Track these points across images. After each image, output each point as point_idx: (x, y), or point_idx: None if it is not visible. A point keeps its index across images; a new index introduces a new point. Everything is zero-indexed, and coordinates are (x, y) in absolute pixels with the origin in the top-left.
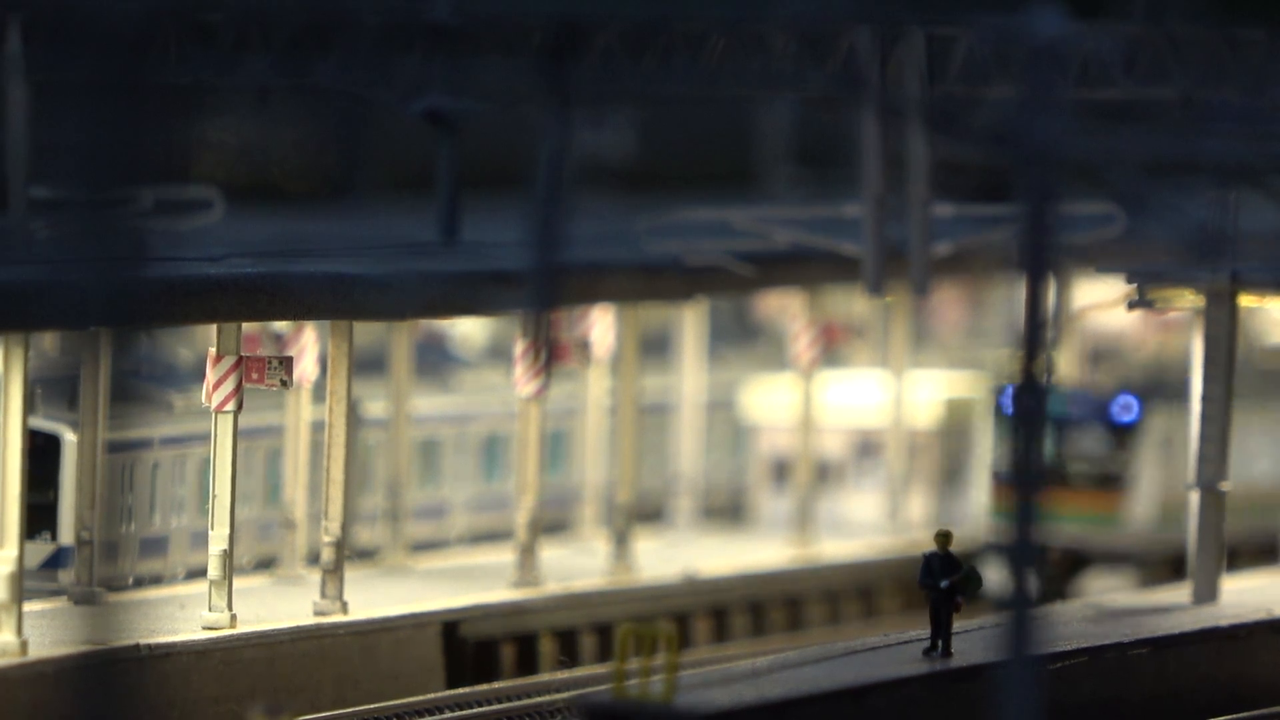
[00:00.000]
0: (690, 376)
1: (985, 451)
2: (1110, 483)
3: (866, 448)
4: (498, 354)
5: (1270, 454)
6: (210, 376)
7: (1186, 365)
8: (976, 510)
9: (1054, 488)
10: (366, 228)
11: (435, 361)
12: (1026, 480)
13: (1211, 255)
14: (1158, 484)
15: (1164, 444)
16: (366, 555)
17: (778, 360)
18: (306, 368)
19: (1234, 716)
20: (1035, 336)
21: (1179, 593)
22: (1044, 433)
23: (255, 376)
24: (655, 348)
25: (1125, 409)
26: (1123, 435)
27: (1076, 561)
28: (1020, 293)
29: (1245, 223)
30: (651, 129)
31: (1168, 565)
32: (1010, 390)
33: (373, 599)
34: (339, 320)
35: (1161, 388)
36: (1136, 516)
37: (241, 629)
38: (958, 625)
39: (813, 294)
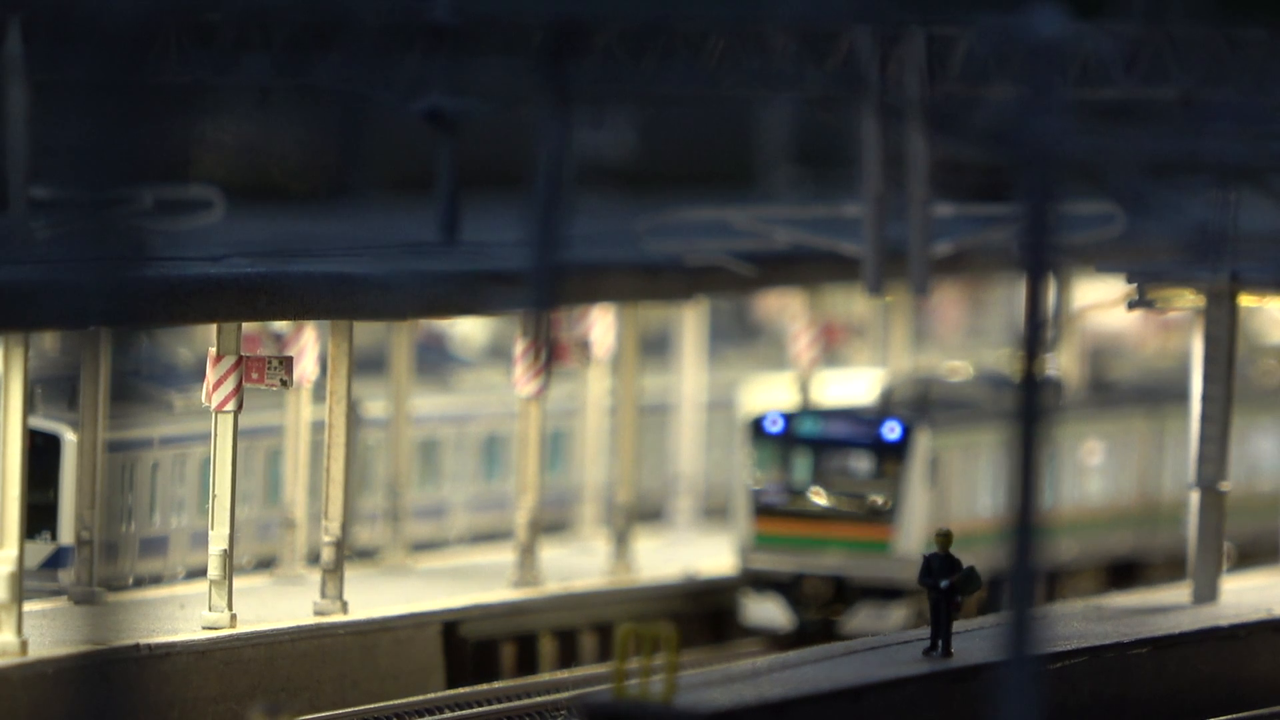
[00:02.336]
0: (690, 376)
1: (744, 477)
2: (875, 509)
3: None
4: (498, 354)
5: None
6: (210, 376)
7: (958, 384)
8: (738, 541)
9: (813, 513)
10: (366, 228)
11: (435, 361)
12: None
13: (1211, 255)
14: (925, 511)
15: (932, 469)
16: (366, 555)
17: (778, 360)
18: (306, 368)
19: (1234, 716)
20: (1035, 336)
21: (1179, 593)
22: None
23: (255, 376)
24: (655, 348)
25: (890, 431)
26: (888, 459)
27: (844, 591)
28: (1020, 293)
29: (1245, 223)
30: (651, 129)
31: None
32: (772, 415)
33: (373, 599)
34: (339, 320)
35: (928, 408)
36: (904, 546)
37: (241, 629)
38: (958, 625)
39: (813, 294)
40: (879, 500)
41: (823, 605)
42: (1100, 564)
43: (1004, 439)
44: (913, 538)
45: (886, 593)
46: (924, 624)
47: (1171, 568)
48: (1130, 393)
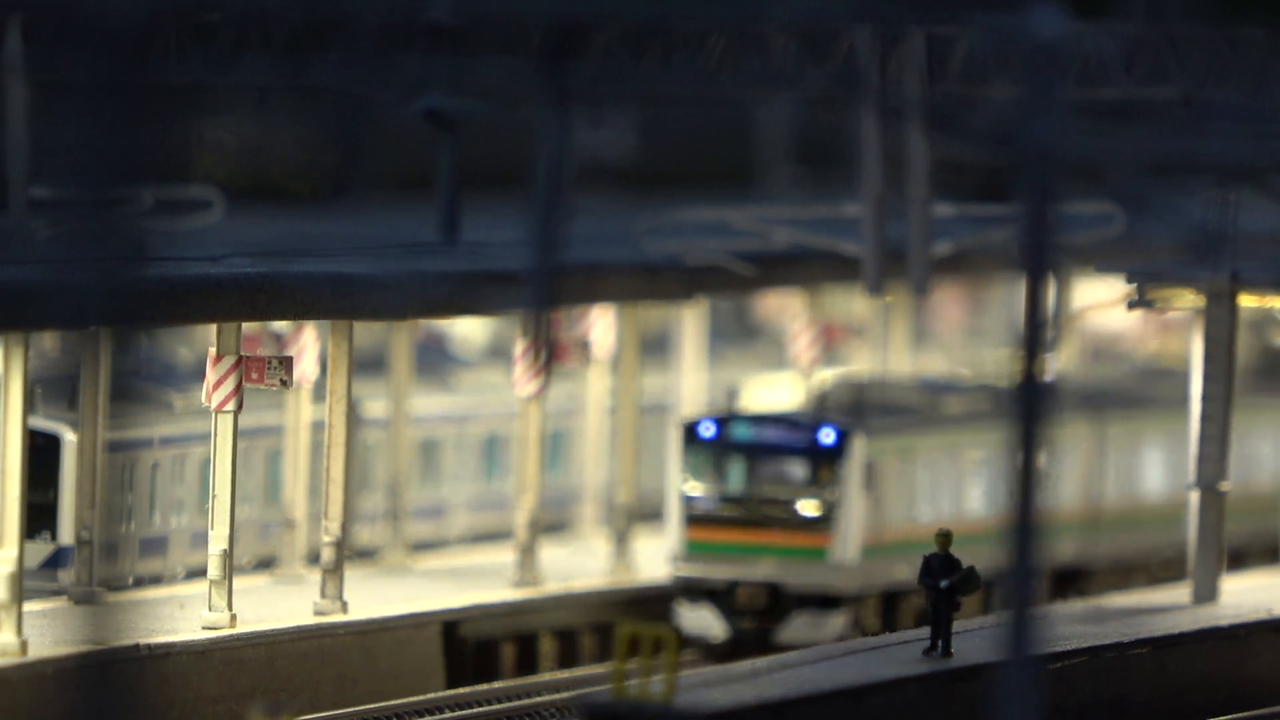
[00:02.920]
0: (690, 376)
1: (676, 484)
2: (811, 516)
3: None
4: (498, 354)
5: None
6: (210, 376)
7: (896, 389)
8: (670, 548)
9: (747, 520)
10: (366, 228)
11: (435, 361)
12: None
13: (1211, 255)
14: (862, 518)
15: (868, 474)
16: (366, 555)
17: (778, 360)
18: (306, 368)
19: (1234, 716)
20: (1035, 336)
21: (1179, 593)
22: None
23: (255, 376)
24: (655, 348)
25: (825, 436)
26: (824, 465)
27: (780, 600)
28: (1020, 293)
29: (1245, 223)
30: (651, 129)
31: (878, 606)
32: (705, 420)
33: (373, 599)
34: (339, 320)
35: (865, 413)
36: (840, 553)
37: (241, 629)
38: (958, 625)
39: (813, 294)
40: (814, 507)
41: (757, 614)
42: (1044, 572)
43: (944, 444)
44: (849, 545)
45: (823, 601)
46: (860, 632)
47: (1115, 575)
48: (1072, 399)
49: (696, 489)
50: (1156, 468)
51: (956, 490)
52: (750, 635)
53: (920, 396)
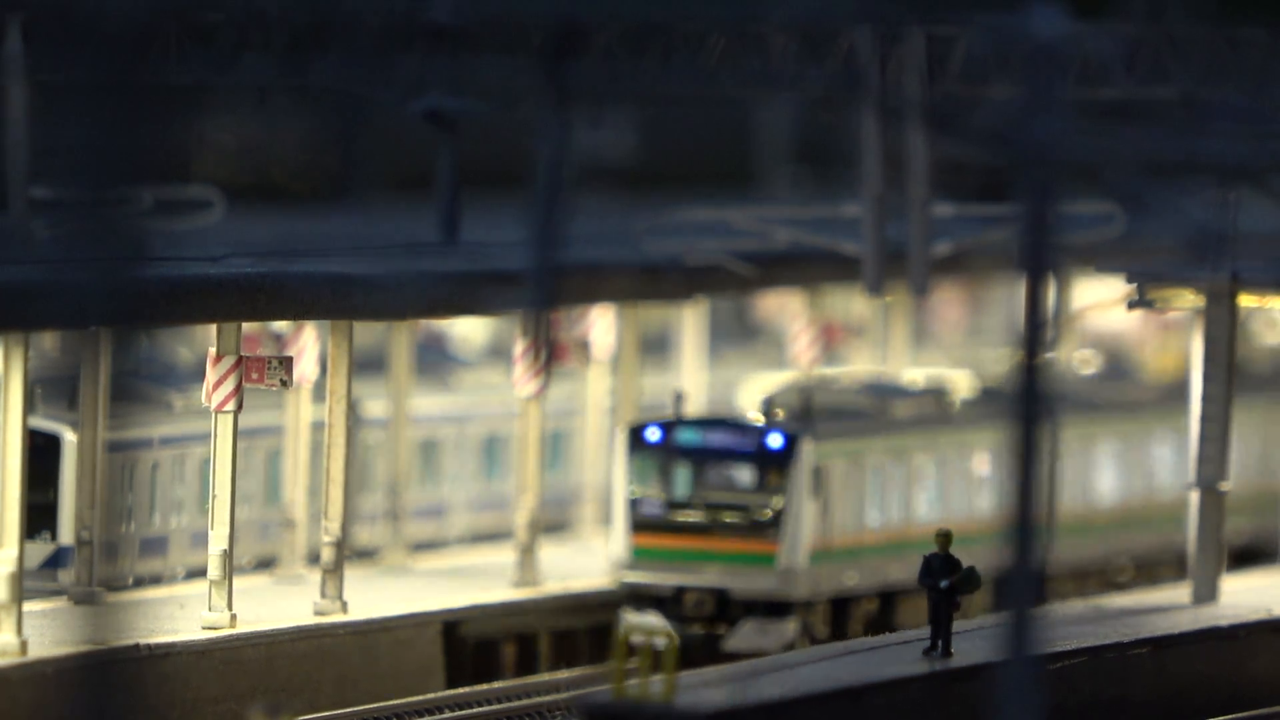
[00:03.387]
0: (690, 376)
1: (621, 489)
2: (758, 522)
3: None
4: (498, 354)
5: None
6: (210, 376)
7: (843, 392)
8: (615, 554)
9: (694, 526)
10: (366, 228)
11: (435, 361)
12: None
13: (1211, 255)
14: (811, 523)
15: (816, 479)
16: (366, 555)
17: (778, 360)
18: (306, 368)
19: (1234, 716)
20: (1035, 336)
21: (1179, 593)
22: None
23: (255, 376)
24: (655, 348)
25: (772, 441)
26: (771, 469)
27: (728, 606)
28: (1020, 293)
29: (1245, 223)
30: (651, 129)
31: (828, 612)
32: (651, 424)
33: (373, 599)
34: (339, 320)
35: (813, 417)
36: (788, 559)
37: (241, 629)
38: (958, 625)
39: (813, 294)
40: (762, 512)
41: (705, 621)
42: (993, 578)
43: (893, 448)
44: (798, 551)
45: (771, 607)
46: (809, 639)
47: (1070, 581)
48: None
49: (642, 494)
50: (1109, 473)
51: (906, 495)
52: (698, 642)
53: (869, 400)
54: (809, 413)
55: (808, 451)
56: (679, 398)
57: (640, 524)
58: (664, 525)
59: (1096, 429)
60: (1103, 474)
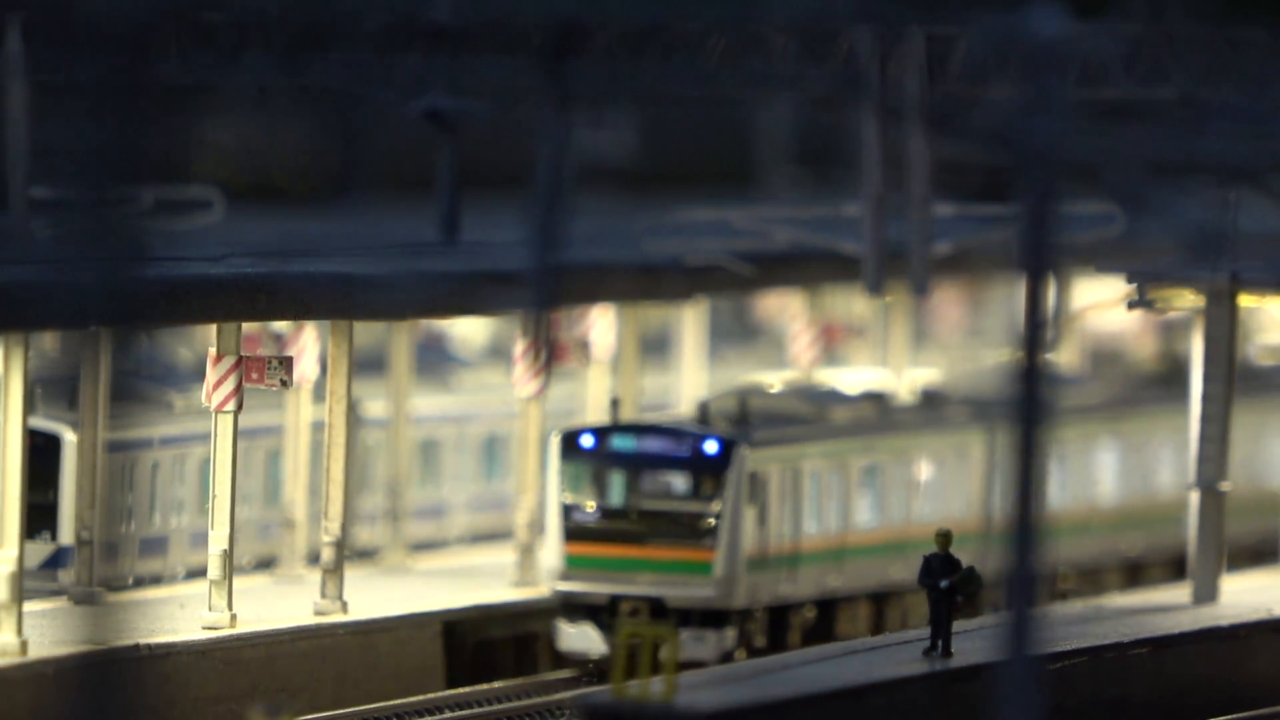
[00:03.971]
0: (690, 376)
1: (555, 497)
2: (694, 530)
3: None
4: (498, 354)
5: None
6: (210, 376)
7: (780, 397)
8: (548, 563)
9: (628, 533)
10: (366, 228)
11: (435, 361)
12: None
13: (1211, 255)
14: (748, 531)
15: (753, 486)
16: (366, 555)
17: (778, 360)
18: (306, 368)
19: (1234, 716)
20: (1035, 336)
21: (1179, 593)
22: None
23: (255, 376)
24: (655, 348)
25: (708, 447)
26: (707, 476)
27: (663, 616)
28: (1020, 293)
29: (1245, 223)
30: (651, 129)
31: (765, 621)
32: (585, 431)
33: (373, 599)
34: (339, 320)
35: (749, 423)
36: (725, 567)
37: (241, 629)
38: (958, 625)
39: (813, 294)
40: (697, 520)
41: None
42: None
43: (831, 455)
44: (735, 559)
45: (707, 616)
46: (746, 649)
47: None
48: (963, 407)
49: (576, 502)
50: (1053, 480)
51: (844, 502)
52: (635, 655)
53: (807, 406)
54: (745, 418)
55: (744, 458)
56: (614, 403)
57: (574, 532)
58: (598, 533)
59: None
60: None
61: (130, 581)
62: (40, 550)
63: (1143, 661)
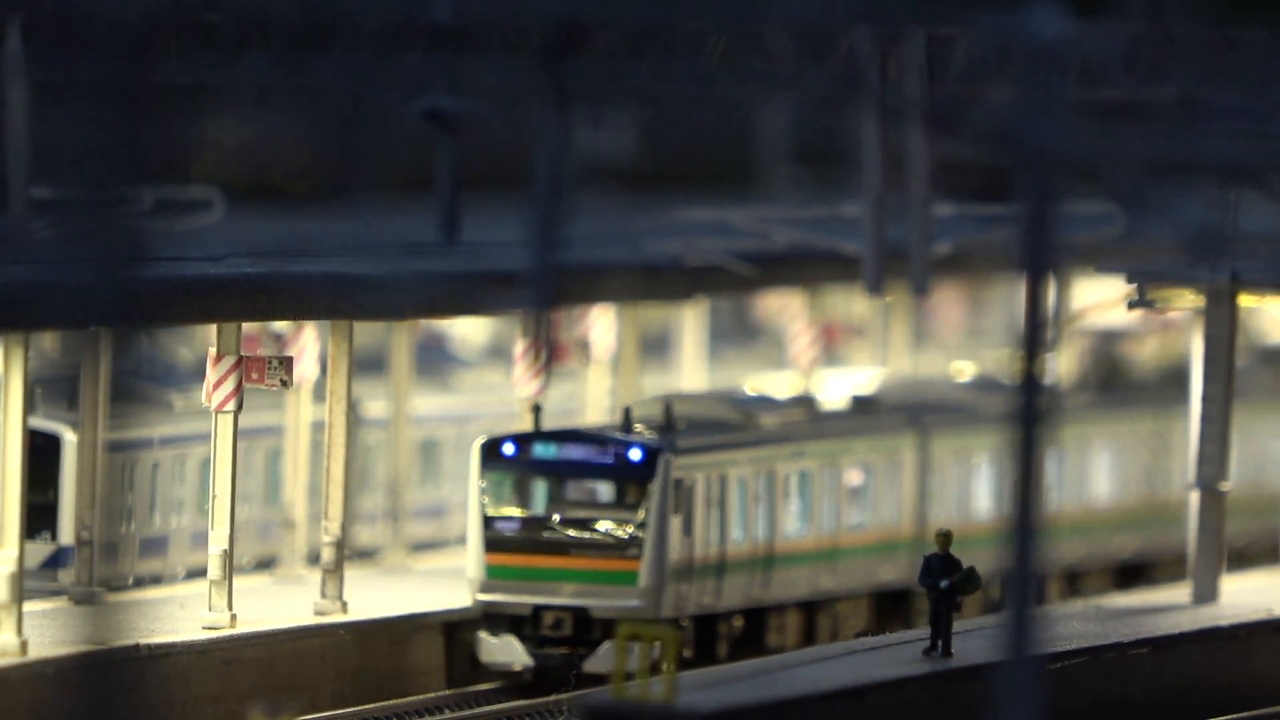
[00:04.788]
0: (690, 376)
1: (476, 506)
2: (618, 539)
3: None
4: (498, 354)
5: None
6: (210, 376)
7: (704, 403)
8: (470, 574)
9: (551, 543)
10: (366, 228)
11: (435, 361)
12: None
13: (1211, 255)
14: (673, 540)
15: (678, 494)
16: (366, 555)
17: (778, 360)
18: (306, 368)
19: (1234, 716)
20: (1035, 336)
21: (1179, 593)
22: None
23: (255, 376)
24: (655, 348)
25: (632, 455)
26: (631, 484)
27: (587, 626)
28: (1020, 293)
29: (1245, 223)
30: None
31: (692, 631)
32: (506, 439)
33: (373, 599)
34: (339, 320)
35: (674, 430)
36: (649, 577)
37: (241, 629)
38: (958, 625)
39: (813, 294)
40: (621, 528)
41: (564, 642)
42: (866, 593)
43: (759, 462)
44: (660, 568)
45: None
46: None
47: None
48: (896, 411)
49: (497, 511)
50: (986, 488)
51: (772, 510)
52: (556, 664)
53: (734, 412)
54: (670, 425)
55: (669, 465)
56: (536, 410)
57: (495, 542)
58: (520, 543)
59: (972, 442)
60: (978, 489)
61: (130, 581)
62: (40, 550)
63: (1143, 661)
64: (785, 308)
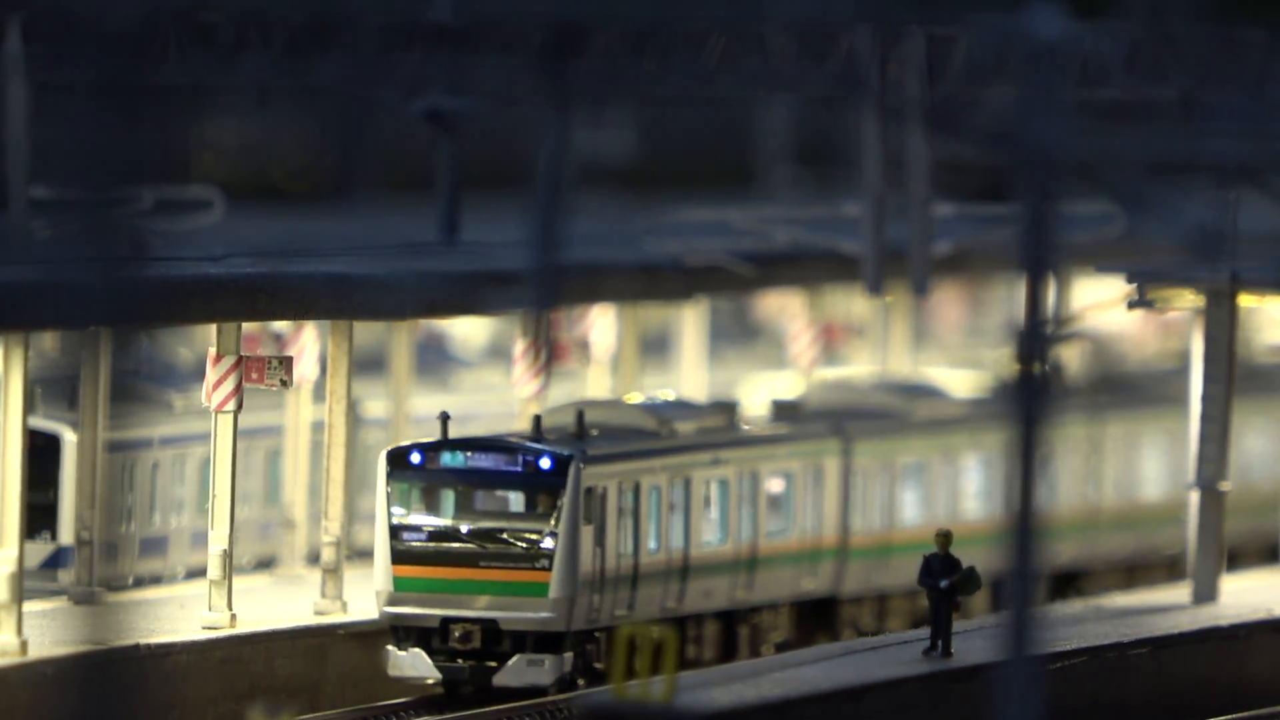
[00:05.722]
0: (690, 376)
1: (383, 516)
2: (528, 550)
3: None
4: (498, 354)
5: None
6: (210, 376)
7: (617, 411)
8: (378, 584)
9: (460, 554)
10: (366, 228)
11: (435, 361)
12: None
13: (1211, 255)
14: (585, 550)
15: (589, 503)
16: (367, 555)
17: (778, 360)
18: (306, 368)
19: (1234, 716)
20: (1035, 336)
21: (1179, 593)
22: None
23: (255, 376)
24: (655, 348)
25: (542, 464)
26: (541, 494)
27: (497, 639)
28: (1020, 293)
29: (1245, 223)
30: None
31: (605, 643)
32: (413, 448)
33: (373, 599)
34: (339, 320)
35: (586, 438)
36: (561, 588)
37: (241, 629)
38: (958, 625)
39: (813, 294)
40: (531, 539)
41: (473, 655)
42: (788, 603)
43: (675, 470)
44: (571, 579)
45: (543, 639)
46: (585, 674)
47: (870, 603)
48: (819, 417)
49: (404, 522)
50: (913, 494)
51: (688, 519)
52: (466, 677)
53: (650, 419)
54: (582, 433)
55: (581, 475)
56: (444, 418)
57: (403, 554)
58: (428, 555)
59: (895, 448)
60: (902, 496)
61: (130, 581)
62: (40, 550)
63: (1143, 661)
64: (785, 308)
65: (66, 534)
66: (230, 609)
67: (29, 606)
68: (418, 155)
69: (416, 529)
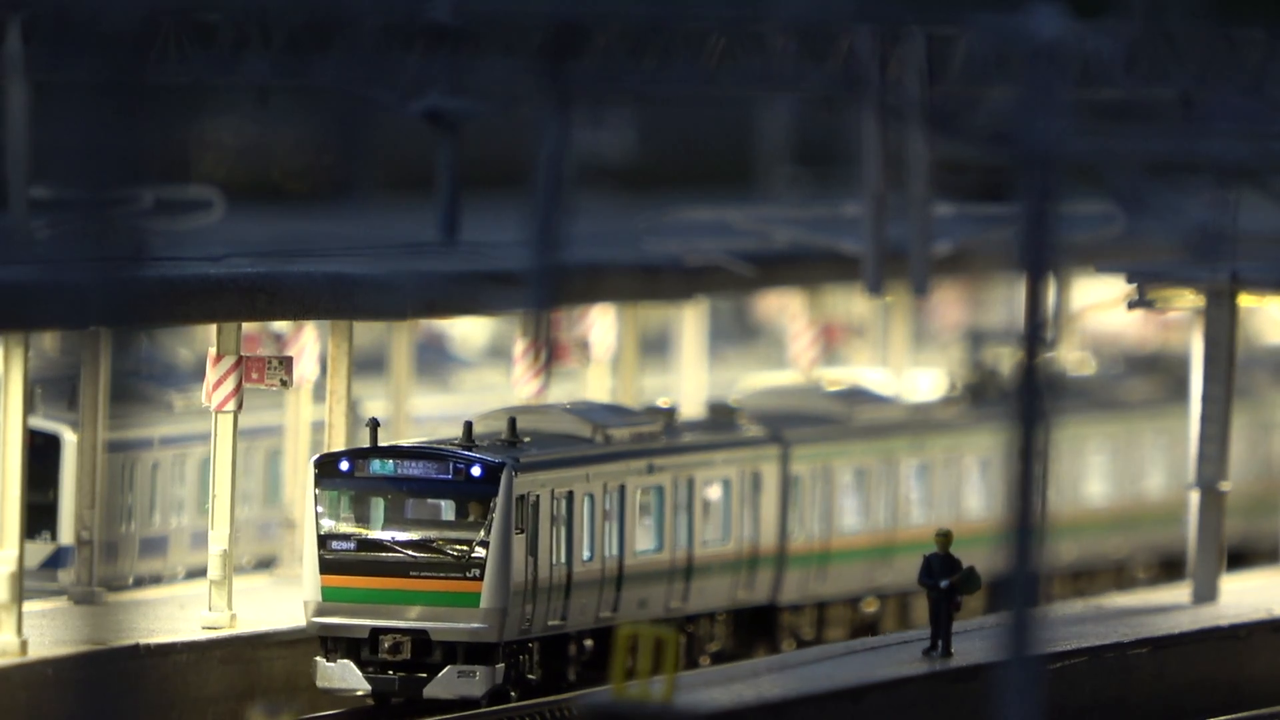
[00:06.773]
0: (690, 376)
1: (311, 525)
2: (459, 559)
3: None
4: (498, 354)
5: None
6: (210, 376)
7: (551, 416)
8: (306, 594)
9: (389, 564)
10: (366, 228)
11: (435, 361)
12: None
13: (1211, 255)
14: (517, 559)
15: (521, 512)
16: None
17: (778, 360)
18: (306, 368)
19: (1234, 716)
20: (1035, 336)
21: (1179, 593)
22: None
23: (255, 376)
24: (655, 348)
25: (473, 471)
26: (472, 502)
27: (428, 650)
28: (1020, 293)
29: (1245, 223)
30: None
31: (539, 654)
32: (342, 455)
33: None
34: (339, 320)
35: (517, 445)
36: (493, 598)
37: (241, 629)
38: (958, 625)
39: (813, 294)
40: (462, 548)
41: (403, 666)
42: (725, 611)
43: (609, 477)
44: (503, 589)
45: (475, 650)
46: (518, 686)
47: (809, 611)
48: (757, 423)
49: (332, 531)
50: (852, 501)
51: (622, 527)
52: (396, 689)
53: (584, 426)
54: (515, 439)
55: (513, 483)
56: (374, 425)
57: (331, 563)
58: (357, 564)
59: (836, 454)
60: (843, 504)
61: (130, 581)
62: (40, 550)
63: (1143, 661)
64: (785, 308)
65: (66, 534)
66: (230, 609)
67: (29, 606)
68: (418, 155)
69: (345, 538)
